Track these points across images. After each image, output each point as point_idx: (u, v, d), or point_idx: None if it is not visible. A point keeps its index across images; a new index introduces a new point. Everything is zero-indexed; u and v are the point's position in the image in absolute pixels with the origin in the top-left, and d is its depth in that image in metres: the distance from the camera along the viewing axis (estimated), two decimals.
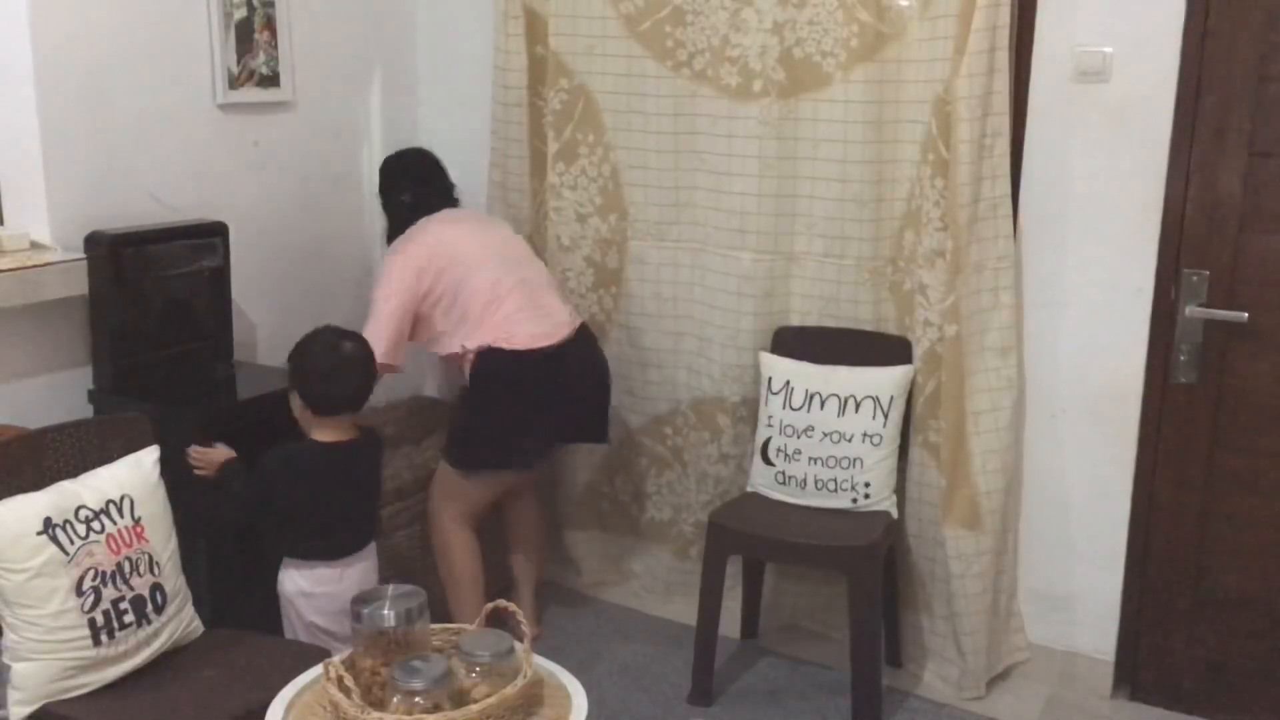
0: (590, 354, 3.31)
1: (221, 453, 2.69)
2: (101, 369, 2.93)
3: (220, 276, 3.13)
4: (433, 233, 3.22)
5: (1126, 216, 2.97)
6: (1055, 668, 3.26)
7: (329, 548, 2.68)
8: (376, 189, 3.49)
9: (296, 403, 2.69)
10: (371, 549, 2.78)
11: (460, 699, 1.98)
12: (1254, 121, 2.83)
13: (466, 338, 3.13)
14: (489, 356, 3.10)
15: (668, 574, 3.69)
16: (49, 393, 2.90)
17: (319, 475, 2.66)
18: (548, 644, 3.21)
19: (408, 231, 3.25)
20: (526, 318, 3.13)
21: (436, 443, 3.53)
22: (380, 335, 3.05)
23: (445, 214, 3.33)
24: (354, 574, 2.70)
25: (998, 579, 3.17)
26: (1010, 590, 3.25)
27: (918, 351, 3.17)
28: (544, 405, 3.15)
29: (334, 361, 2.66)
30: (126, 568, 2.30)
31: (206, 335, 3.13)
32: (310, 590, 2.65)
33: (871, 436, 3.12)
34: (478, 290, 3.12)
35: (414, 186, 3.36)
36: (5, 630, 2.24)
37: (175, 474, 2.55)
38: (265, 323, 3.41)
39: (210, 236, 3.09)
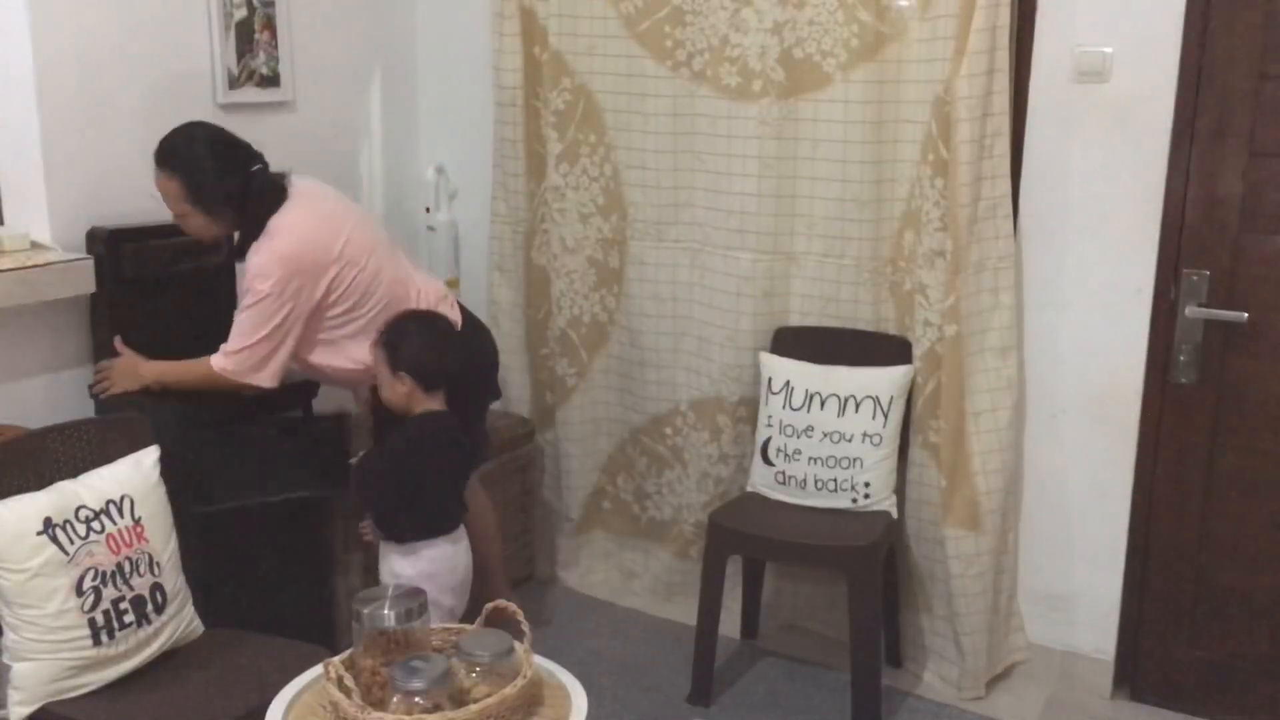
0: (479, 326, 3.16)
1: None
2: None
3: (223, 275, 3.13)
4: (324, 219, 2.79)
5: (1126, 216, 2.97)
6: (1055, 668, 3.26)
7: (449, 520, 2.73)
8: (186, 193, 2.73)
9: (402, 385, 2.69)
10: (464, 527, 2.80)
11: (460, 699, 1.98)
12: (1254, 121, 2.83)
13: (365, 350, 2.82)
14: None
15: (668, 574, 3.70)
16: (50, 392, 2.90)
17: (447, 442, 2.73)
18: (548, 644, 3.21)
19: (283, 218, 2.74)
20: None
21: None
22: (268, 354, 2.73)
23: (310, 187, 2.86)
24: (462, 550, 2.75)
25: (998, 579, 3.17)
26: (1010, 590, 3.25)
27: (918, 351, 3.17)
28: (467, 395, 2.96)
29: (437, 336, 2.74)
30: (126, 568, 2.31)
31: (208, 331, 3.13)
32: (431, 570, 2.67)
33: (871, 436, 3.12)
34: (379, 294, 2.86)
35: (248, 158, 2.79)
36: (5, 630, 2.24)
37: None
38: None
39: None
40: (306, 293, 2.75)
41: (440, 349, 2.73)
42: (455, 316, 3.02)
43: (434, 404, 2.73)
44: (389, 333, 2.73)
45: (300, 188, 2.84)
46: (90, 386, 2.88)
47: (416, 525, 2.69)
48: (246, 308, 2.74)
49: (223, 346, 2.77)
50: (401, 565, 2.68)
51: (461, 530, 2.77)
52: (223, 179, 2.72)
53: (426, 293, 3.01)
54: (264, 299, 2.71)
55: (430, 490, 2.69)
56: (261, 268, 2.71)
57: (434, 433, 2.72)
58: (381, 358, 2.72)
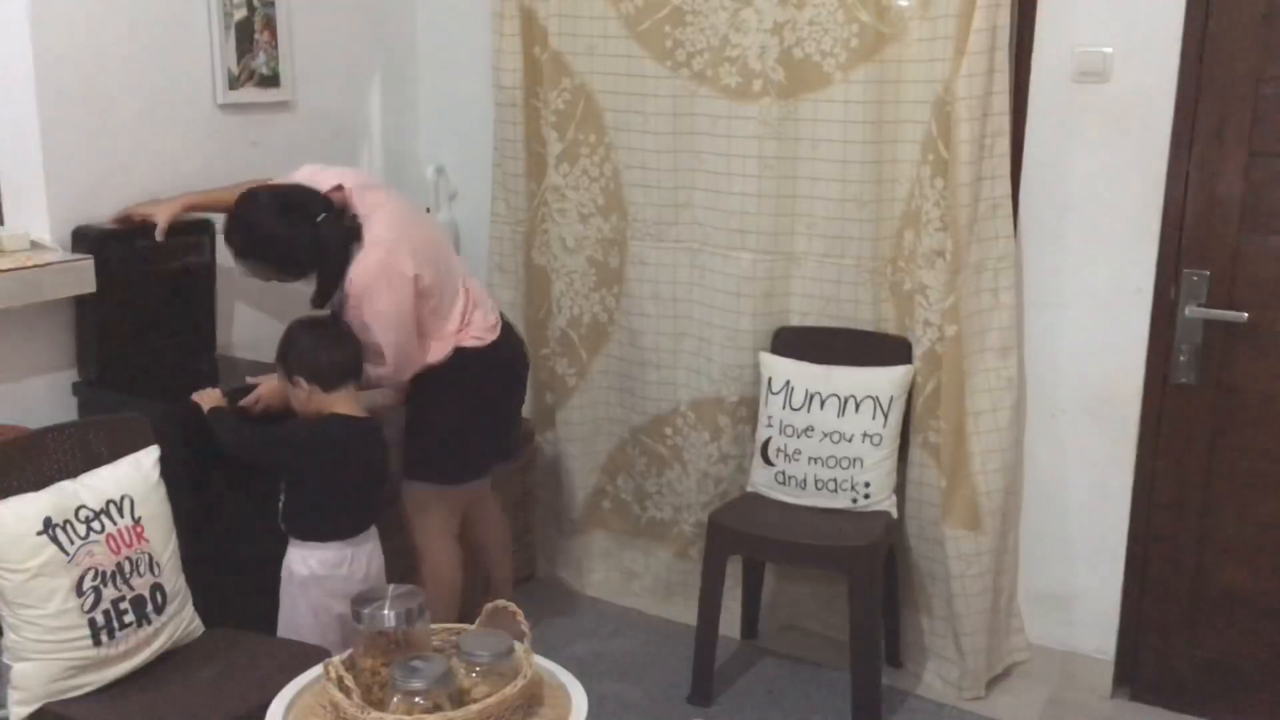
0: (516, 338, 3.18)
1: (209, 397, 2.75)
2: (87, 362, 2.94)
3: (206, 273, 3.13)
4: (408, 238, 2.83)
5: (1126, 216, 2.97)
6: (1055, 668, 3.26)
7: (343, 526, 2.70)
8: (278, 273, 2.82)
9: (302, 390, 2.70)
10: (374, 532, 2.80)
11: (460, 699, 1.99)
12: (1254, 121, 2.83)
13: (424, 349, 2.90)
14: (453, 356, 2.94)
15: (668, 574, 3.70)
16: (50, 392, 2.90)
17: (342, 447, 2.70)
18: (548, 644, 3.21)
19: (376, 246, 2.77)
20: (478, 308, 3.00)
21: None
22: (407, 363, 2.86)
23: (394, 208, 2.88)
24: (363, 555, 2.73)
25: (998, 579, 3.17)
26: (1010, 590, 3.25)
27: (918, 351, 3.17)
28: (499, 398, 3.05)
29: (320, 334, 2.72)
30: (126, 568, 2.31)
31: (191, 330, 3.14)
32: (321, 573, 2.67)
33: (871, 436, 3.12)
34: (446, 289, 2.91)
35: (312, 212, 2.78)
36: (5, 630, 2.24)
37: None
38: (251, 320, 3.40)
39: (197, 234, 3.10)
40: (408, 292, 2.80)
41: (329, 344, 2.70)
42: (495, 319, 3.03)
43: (341, 406, 2.71)
44: (280, 345, 2.74)
45: (370, 217, 2.81)
46: (249, 411, 2.84)
47: (300, 525, 2.70)
48: (376, 331, 2.77)
49: (372, 369, 2.81)
50: (289, 560, 2.71)
51: (364, 536, 2.75)
52: (301, 244, 2.74)
53: (474, 292, 3.02)
54: (381, 316, 2.77)
55: (320, 493, 2.68)
56: (367, 289, 2.75)
57: (324, 433, 2.69)
58: (280, 372, 2.74)
